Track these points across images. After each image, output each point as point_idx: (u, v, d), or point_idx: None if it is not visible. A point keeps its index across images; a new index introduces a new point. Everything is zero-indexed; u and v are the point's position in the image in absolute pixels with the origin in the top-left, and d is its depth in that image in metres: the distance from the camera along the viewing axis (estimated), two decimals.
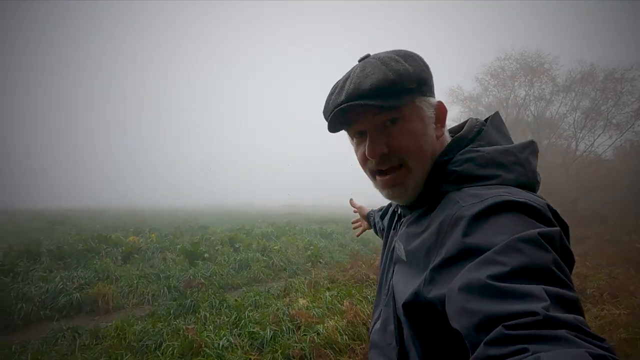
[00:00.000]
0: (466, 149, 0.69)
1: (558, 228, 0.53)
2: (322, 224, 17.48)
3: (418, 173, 0.70)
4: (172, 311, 4.54)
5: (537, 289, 0.42)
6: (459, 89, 24.06)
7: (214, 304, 4.68)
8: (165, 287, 5.74)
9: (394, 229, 0.90)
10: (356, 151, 0.76)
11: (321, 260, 8.62)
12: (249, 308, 4.64)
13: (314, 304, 4.69)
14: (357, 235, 1.65)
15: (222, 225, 17.17)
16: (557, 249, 0.49)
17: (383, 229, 1.15)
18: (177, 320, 4.31)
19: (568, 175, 19.06)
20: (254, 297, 5.10)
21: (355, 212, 1.65)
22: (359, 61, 0.72)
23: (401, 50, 0.71)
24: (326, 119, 0.73)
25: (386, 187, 0.74)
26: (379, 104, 0.64)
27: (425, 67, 0.70)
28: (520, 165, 0.66)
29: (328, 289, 5.48)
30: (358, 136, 0.74)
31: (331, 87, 0.74)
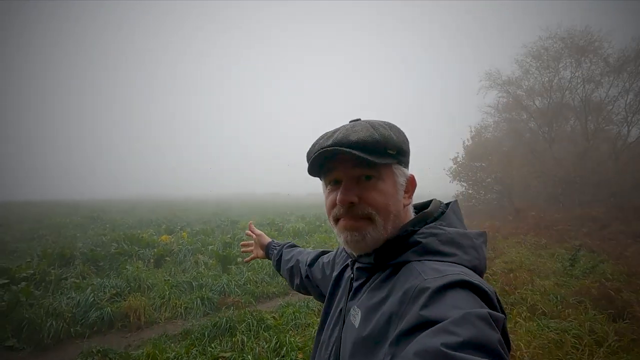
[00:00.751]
0: (431, 224, 0.74)
1: (503, 315, 0.56)
2: None
3: (380, 230, 0.72)
4: (206, 333, 4.17)
5: None
6: (496, 72, 22.60)
7: (251, 324, 4.28)
8: (198, 299, 5.43)
9: (347, 290, 0.84)
10: (326, 198, 0.80)
11: None
12: (290, 332, 4.22)
13: None
14: (246, 261, 1.58)
15: (251, 218, 17.01)
16: (500, 333, 0.52)
17: (308, 277, 1.21)
18: (213, 345, 3.94)
19: (618, 164, 17.52)
20: (293, 314, 4.67)
21: (247, 234, 1.58)
22: (350, 122, 0.78)
23: (388, 122, 0.77)
24: (308, 160, 0.78)
25: (346, 231, 0.74)
26: (361, 155, 0.68)
27: (406, 141, 0.78)
28: (474, 249, 0.70)
29: None
30: (333, 184, 0.78)
31: (320, 134, 0.79)
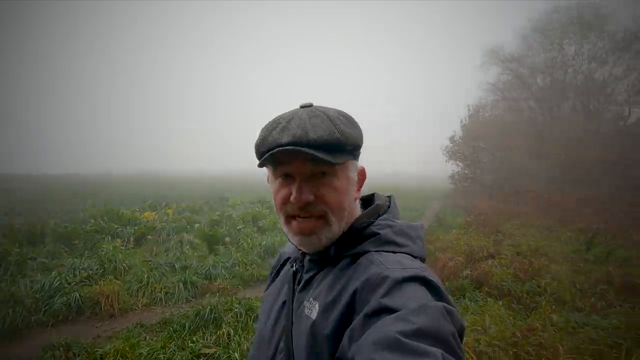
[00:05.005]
0: (384, 216, 0.74)
1: (457, 310, 0.55)
2: None
3: (334, 229, 0.70)
4: (187, 324, 3.64)
5: (436, 351, 0.45)
6: (499, 48, 21.84)
7: (239, 315, 3.75)
8: (180, 283, 4.89)
9: (293, 283, 0.79)
10: (277, 191, 0.72)
11: None
12: None
13: None
14: None
15: (244, 196, 16.40)
16: (454, 326, 0.51)
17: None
18: (194, 338, 3.42)
19: (619, 145, 17.09)
20: None
21: None
22: (301, 107, 0.71)
23: (344, 113, 0.72)
24: (260, 152, 0.69)
25: (300, 234, 0.71)
26: (321, 157, 0.63)
27: (361, 134, 0.74)
28: (420, 240, 0.73)
29: None
30: (284, 178, 0.71)
31: (270, 121, 0.71)
